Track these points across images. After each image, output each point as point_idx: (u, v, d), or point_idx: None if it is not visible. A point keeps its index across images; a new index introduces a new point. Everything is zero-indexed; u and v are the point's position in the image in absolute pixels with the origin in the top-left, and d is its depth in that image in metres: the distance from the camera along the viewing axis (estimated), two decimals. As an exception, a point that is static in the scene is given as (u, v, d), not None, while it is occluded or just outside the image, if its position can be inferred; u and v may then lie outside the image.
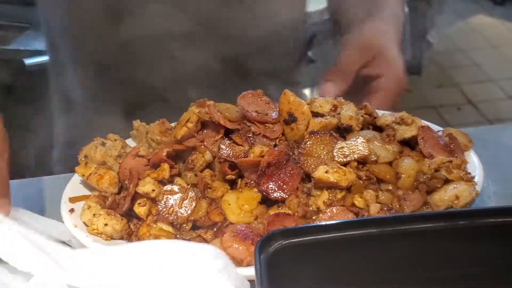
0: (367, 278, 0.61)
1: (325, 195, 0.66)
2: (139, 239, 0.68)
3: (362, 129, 0.75)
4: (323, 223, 0.60)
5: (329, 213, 0.65)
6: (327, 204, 0.66)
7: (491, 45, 3.67)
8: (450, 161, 0.69)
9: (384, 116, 0.75)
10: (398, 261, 0.61)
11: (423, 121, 0.79)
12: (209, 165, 0.73)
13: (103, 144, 0.78)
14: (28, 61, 1.66)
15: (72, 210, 0.73)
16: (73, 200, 0.74)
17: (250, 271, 0.60)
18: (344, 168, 0.67)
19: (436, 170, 0.69)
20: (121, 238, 0.69)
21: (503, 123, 0.86)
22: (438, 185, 0.68)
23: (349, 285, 0.60)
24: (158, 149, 0.72)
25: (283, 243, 0.56)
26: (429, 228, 0.61)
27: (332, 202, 0.66)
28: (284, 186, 0.67)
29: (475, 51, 3.61)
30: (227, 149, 0.71)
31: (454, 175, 0.68)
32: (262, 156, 0.68)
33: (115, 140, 0.79)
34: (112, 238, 0.69)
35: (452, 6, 3.93)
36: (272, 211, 0.68)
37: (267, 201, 0.70)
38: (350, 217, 0.64)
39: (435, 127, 0.80)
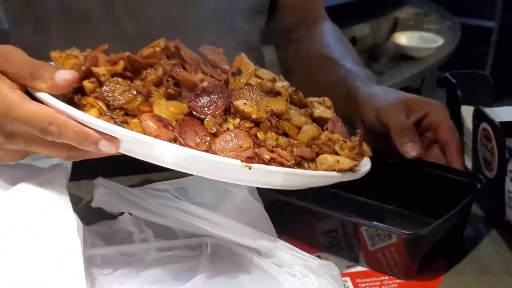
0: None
1: (237, 121, 0.75)
2: (80, 104, 0.73)
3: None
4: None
5: (233, 134, 0.73)
6: (236, 127, 0.74)
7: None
8: (345, 141, 0.80)
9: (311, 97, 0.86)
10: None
11: None
12: (158, 86, 0.78)
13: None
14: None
15: None
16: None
17: (153, 141, 0.67)
18: (260, 106, 0.77)
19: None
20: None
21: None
22: (327, 150, 0.78)
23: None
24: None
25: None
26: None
27: (240, 127, 0.75)
28: (208, 110, 0.75)
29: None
30: (178, 70, 0.78)
31: (344, 153, 0.76)
32: (202, 81, 0.77)
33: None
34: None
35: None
36: None
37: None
38: (249, 140, 0.73)
39: None
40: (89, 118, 0.68)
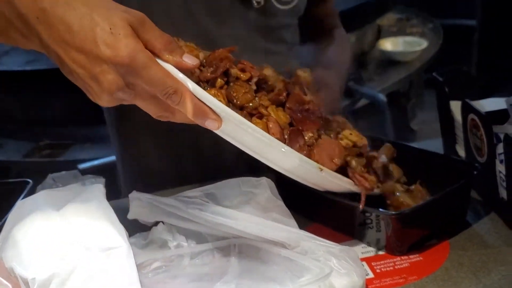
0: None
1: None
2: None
3: None
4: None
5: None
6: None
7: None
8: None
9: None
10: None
11: None
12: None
13: None
14: (81, 166, 2.11)
15: None
16: None
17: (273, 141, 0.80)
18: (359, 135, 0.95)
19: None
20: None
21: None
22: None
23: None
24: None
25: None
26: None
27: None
28: (308, 123, 0.89)
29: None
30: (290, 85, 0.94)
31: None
32: (308, 102, 0.91)
33: None
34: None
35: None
36: None
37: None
38: (341, 149, 0.90)
39: None
40: (212, 99, 0.75)
